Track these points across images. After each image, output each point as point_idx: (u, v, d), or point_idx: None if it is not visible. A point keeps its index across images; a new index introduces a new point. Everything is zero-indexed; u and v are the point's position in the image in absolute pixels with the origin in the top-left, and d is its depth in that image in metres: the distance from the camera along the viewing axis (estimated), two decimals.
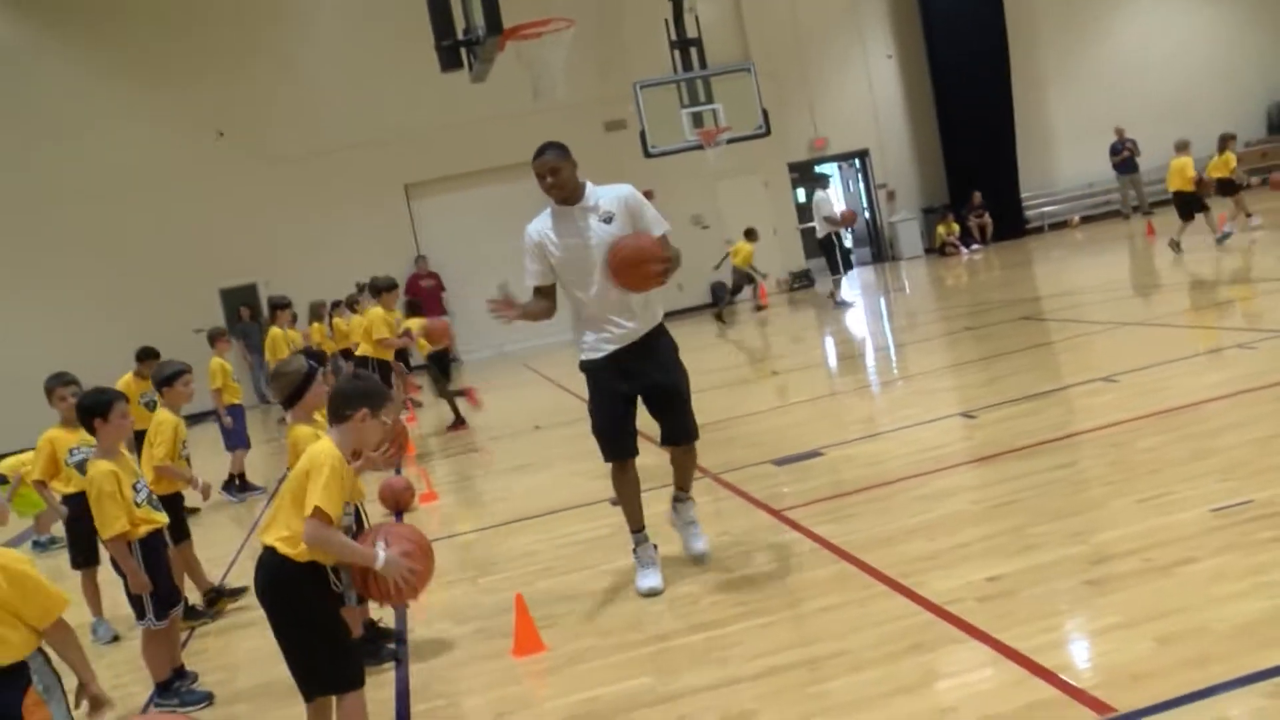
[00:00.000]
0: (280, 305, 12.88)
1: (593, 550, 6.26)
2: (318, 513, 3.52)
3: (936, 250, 23.71)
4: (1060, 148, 24.59)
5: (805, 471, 7.09)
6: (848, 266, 17.82)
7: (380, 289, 11.27)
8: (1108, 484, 5.56)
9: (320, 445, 3.67)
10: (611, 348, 5.25)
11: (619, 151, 20.78)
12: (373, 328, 11.12)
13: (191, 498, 7.40)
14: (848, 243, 18.83)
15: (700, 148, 18.06)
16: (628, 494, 5.48)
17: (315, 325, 15.97)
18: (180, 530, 6.27)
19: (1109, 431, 6.52)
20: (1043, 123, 24.41)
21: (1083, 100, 24.35)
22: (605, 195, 5.21)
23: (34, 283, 19.94)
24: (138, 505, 4.74)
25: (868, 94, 24.12)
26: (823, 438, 7.93)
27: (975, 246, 23.20)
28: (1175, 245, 15.24)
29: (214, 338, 11.15)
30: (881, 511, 5.86)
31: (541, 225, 5.28)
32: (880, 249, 25.11)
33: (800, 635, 4.47)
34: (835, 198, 18.63)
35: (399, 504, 8.27)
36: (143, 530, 4.76)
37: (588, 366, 5.36)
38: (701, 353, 15.58)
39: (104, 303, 19.65)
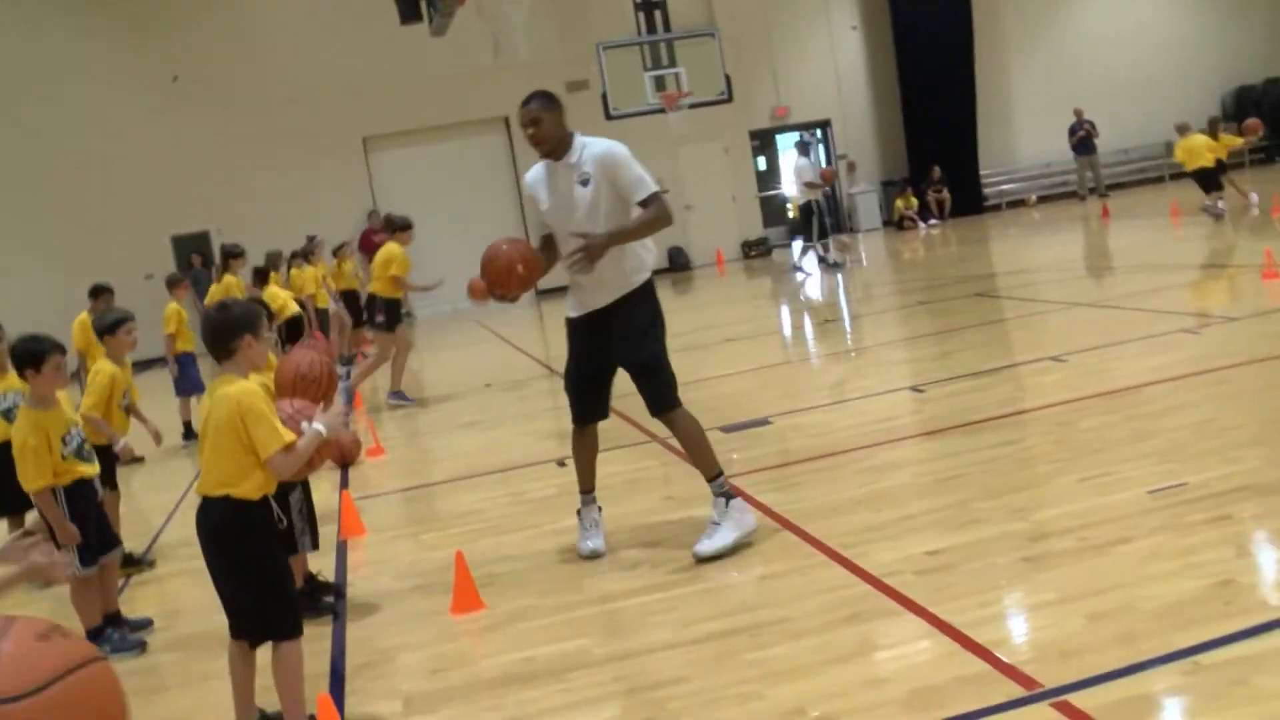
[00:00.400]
0: (234, 254, 12.62)
1: (539, 510, 6.25)
2: (284, 451, 3.56)
3: (894, 224, 23.80)
4: (1020, 126, 24.72)
5: (753, 439, 7.11)
6: (824, 234, 17.61)
7: (397, 226, 10.68)
8: (1051, 462, 5.62)
9: (234, 388, 3.59)
10: (582, 311, 5.12)
11: (581, 112, 20.45)
12: (392, 263, 10.37)
13: (144, 446, 7.28)
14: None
15: (662, 111, 17.98)
16: (581, 456, 5.40)
17: (272, 275, 15.70)
18: (109, 481, 6.13)
19: (1055, 410, 6.59)
20: (1004, 101, 24.52)
21: (1044, 79, 24.48)
22: (588, 153, 4.91)
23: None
24: (64, 457, 4.65)
25: (831, 64, 24.08)
26: (772, 406, 7.95)
27: (933, 221, 23.31)
28: (1215, 211, 15.17)
29: (172, 283, 10.97)
30: (826, 482, 5.90)
31: (534, 175, 5.11)
32: (839, 220, 25.12)
33: (740, 602, 4.49)
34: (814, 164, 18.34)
35: (345, 457, 8.20)
36: (67, 479, 4.68)
37: (567, 323, 5.26)
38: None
39: (54, 248, 19.29)
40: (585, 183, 4.90)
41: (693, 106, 18.04)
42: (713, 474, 5.12)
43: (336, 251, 15.25)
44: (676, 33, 18.57)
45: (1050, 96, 24.08)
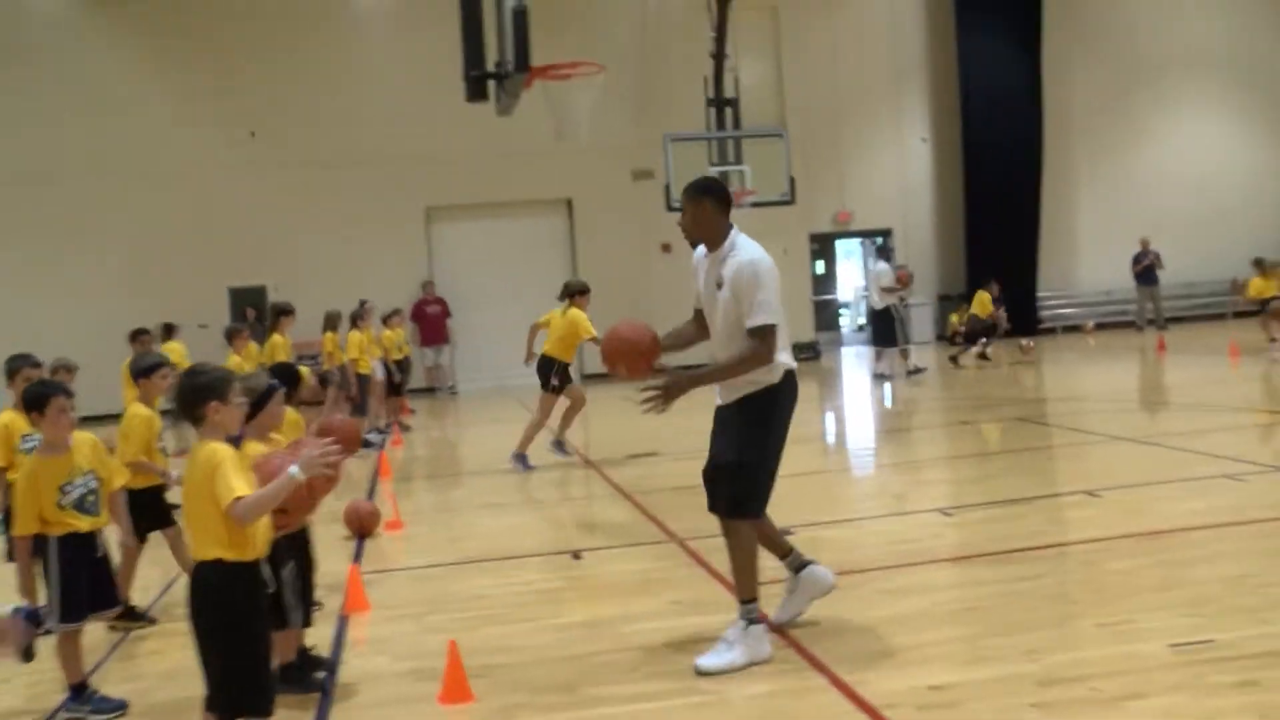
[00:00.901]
0: (284, 311, 12.77)
1: (544, 602, 6.13)
2: (239, 500, 3.56)
3: (947, 338, 23.59)
4: (1083, 251, 24.57)
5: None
6: (906, 339, 17.64)
7: (576, 291, 11.12)
8: (1072, 603, 5.43)
9: (203, 450, 3.67)
10: (720, 401, 5.11)
11: (643, 201, 20.86)
12: (579, 326, 10.78)
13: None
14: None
15: None
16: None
17: (328, 335, 15.83)
18: (165, 519, 6.30)
19: (1084, 548, 6.40)
20: (1068, 223, 24.42)
21: (1111, 206, 24.39)
22: (733, 258, 4.88)
23: (47, 257, 20.01)
24: (61, 507, 4.64)
25: (897, 173, 24.17)
26: (797, 516, 7.77)
27: (984, 340, 23.04)
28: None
29: (231, 335, 11.09)
30: (840, 601, 5.72)
31: (698, 255, 5.13)
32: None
33: (738, 715, 4.33)
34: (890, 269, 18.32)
35: (363, 528, 8.16)
36: (58, 530, 4.66)
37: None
38: (702, 412, 15.46)
39: (112, 286, 19.68)
40: (721, 286, 4.89)
41: (755, 205, 18.08)
42: (748, 597, 4.99)
43: (387, 319, 15.36)
44: (746, 130, 18.72)
45: (1116, 223, 23.98)
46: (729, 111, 18.52)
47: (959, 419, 12.50)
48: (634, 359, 5.01)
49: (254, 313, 20.37)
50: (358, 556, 7.58)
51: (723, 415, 5.06)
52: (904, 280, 17.32)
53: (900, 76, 24.03)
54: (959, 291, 24.02)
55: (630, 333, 5.09)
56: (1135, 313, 23.54)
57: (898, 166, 24.19)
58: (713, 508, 5.11)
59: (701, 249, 5.09)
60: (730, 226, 5.00)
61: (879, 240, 24.90)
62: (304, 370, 5.73)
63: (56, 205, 20.03)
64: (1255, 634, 4.73)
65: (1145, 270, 22.74)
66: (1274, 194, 25.20)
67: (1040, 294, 24.22)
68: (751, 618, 4.92)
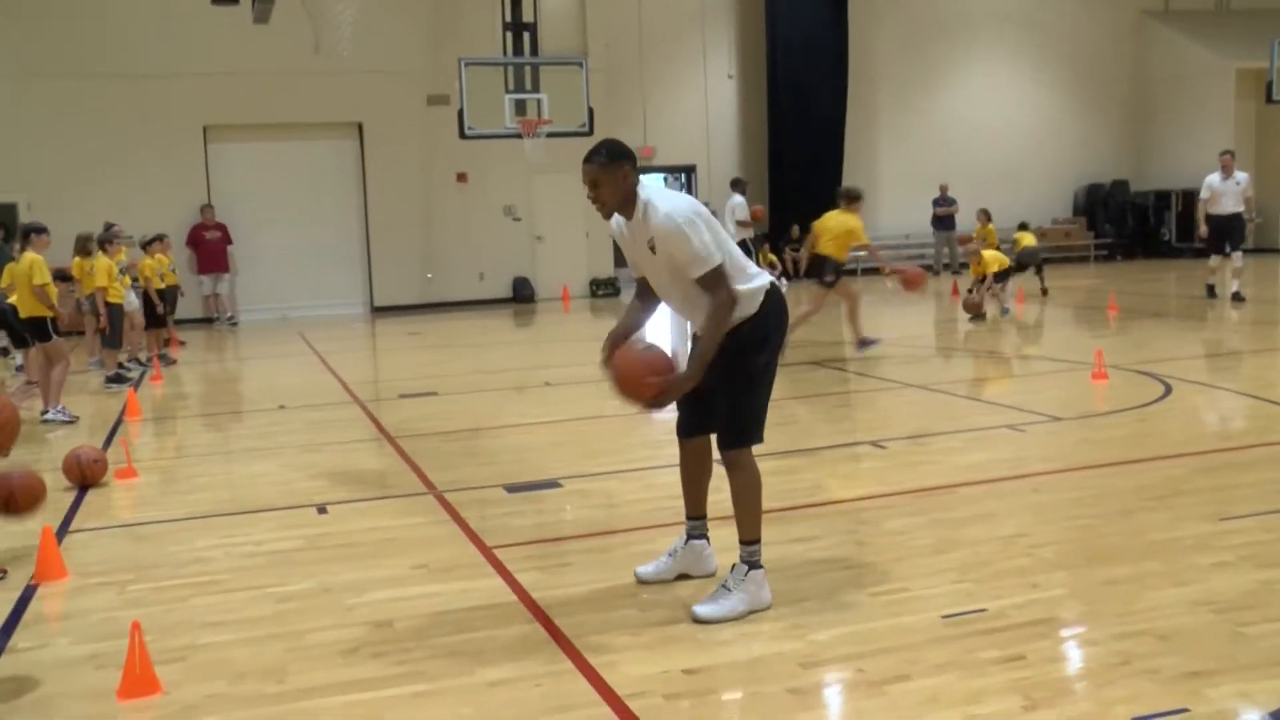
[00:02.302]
0: (36, 230, 11.23)
1: (274, 566, 5.43)
2: None
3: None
4: (883, 195, 24.82)
5: (533, 503, 6.43)
6: None
7: (853, 197, 12.09)
8: (846, 568, 5.06)
9: None
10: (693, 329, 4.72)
11: (438, 127, 19.89)
12: (853, 232, 11.70)
13: None
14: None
15: (519, 136, 17.30)
16: (682, 474, 4.94)
17: (76, 260, 14.33)
18: None
19: (862, 505, 6.09)
20: (870, 167, 24.61)
21: (910, 151, 24.77)
22: (651, 219, 4.41)
23: None
24: None
25: (702, 110, 23.82)
26: (567, 466, 7.29)
27: (783, 282, 23.08)
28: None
29: None
30: (600, 565, 5.24)
31: (616, 223, 4.62)
32: None
33: (456, 713, 3.77)
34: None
35: (84, 477, 7.25)
36: None
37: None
38: (491, 350, 14.85)
39: None
40: (653, 249, 4.45)
41: (550, 135, 17.39)
42: (751, 537, 4.61)
43: (149, 245, 14.04)
44: (543, 57, 17.94)
45: (914, 169, 24.37)
46: (526, 36, 17.68)
47: None
48: (634, 386, 4.48)
49: (2, 231, 18.53)
50: (73, 511, 6.69)
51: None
52: (757, 216, 17.12)
53: (707, 11, 23.60)
54: (761, 232, 23.94)
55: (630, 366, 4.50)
56: (933, 257, 23.96)
57: (702, 103, 23.84)
58: (689, 432, 4.83)
59: (616, 218, 4.56)
60: (635, 185, 4.49)
61: (682, 177, 24.58)
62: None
63: None
64: (1024, 600, 4.47)
65: (944, 215, 23.14)
66: (1061, 146, 26.12)
67: None
68: (753, 561, 4.56)
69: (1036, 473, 6.56)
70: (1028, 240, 18.47)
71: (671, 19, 23.17)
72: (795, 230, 23.50)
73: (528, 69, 17.59)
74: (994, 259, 15.51)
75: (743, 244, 16.75)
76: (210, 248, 19.35)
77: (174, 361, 13.92)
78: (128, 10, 18.90)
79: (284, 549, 5.75)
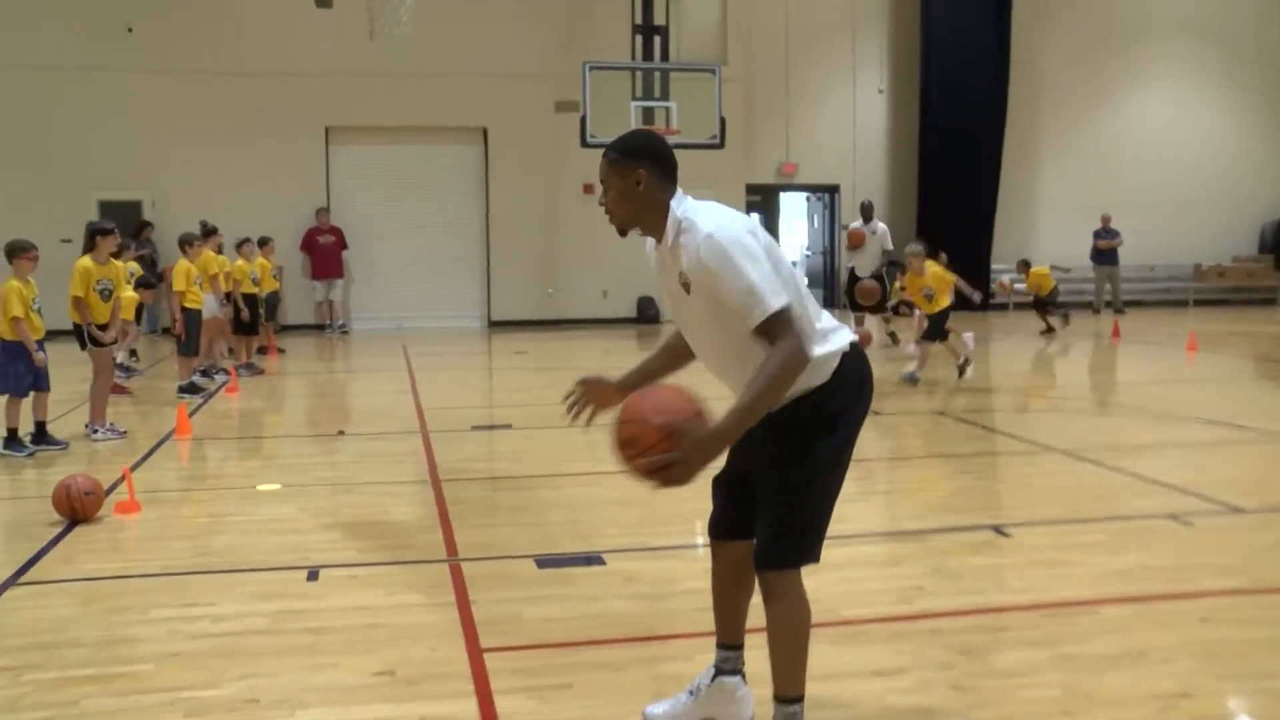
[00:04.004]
0: (100, 231, 10.64)
1: (213, 658, 4.37)
2: None
3: (892, 307, 21.92)
4: (1042, 223, 22.97)
5: (565, 584, 5.25)
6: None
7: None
8: None
9: None
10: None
11: (566, 134, 18.90)
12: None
13: None
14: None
15: None
16: (713, 587, 3.68)
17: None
18: None
19: (969, 621, 4.71)
20: (1028, 193, 22.79)
21: (1075, 177, 22.82)
22: (688, 239, 3.18)
23: None
24: None
25: (849, 126, 22.36)
26: (621, 535, 6.10)
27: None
28: None
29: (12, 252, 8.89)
30: (608, 690, 4.03)
31: (649, 246, 3.43)
32: (833, 294, 23.27)
33: None
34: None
35: (75, 511, 6.39)
36: None
37: None
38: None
39: None
40: (687, 287, 3.23)
41: (678, 147, 16.20)
42: (790, 693, 3.38)
43: (241, 246, 13.39)
44: (674, 63, 16.82)
45: (1078, 196, 22.43)
46: (657, 41, 16.58)
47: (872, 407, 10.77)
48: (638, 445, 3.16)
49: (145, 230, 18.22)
50: (39, 556, 5.80)
51: (753, 436, 3.23)
52: (856, 242, 15.56)
53: (858, 20, 22.17)
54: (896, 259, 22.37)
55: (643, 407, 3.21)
56: (1093, 294, 21.97)
57: (849, 118, 22.38)
58: (724, 532, 3.58)
59: (649, 239, 3.37)
60: (672, 196, 3.29)
61: (825, 198, 23.16)
62: None
63: None
64: None
65: (1107, 250, 21.19)
66: (1248, 174, 23.71)
67: (994, 266, 22.58)
68: None
69: (1207, 592, 5.06)
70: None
71: (819, 29, 21.81)
72: (944, 257, 21.79)
73: (657, 75, 16.49)
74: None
75: (878, 276, 15.13)
76: (324, 252, 18.81)
77: (261, 372, 13.20)
78: (253, 8, 18.52)
79: (241, 630, 4.70)
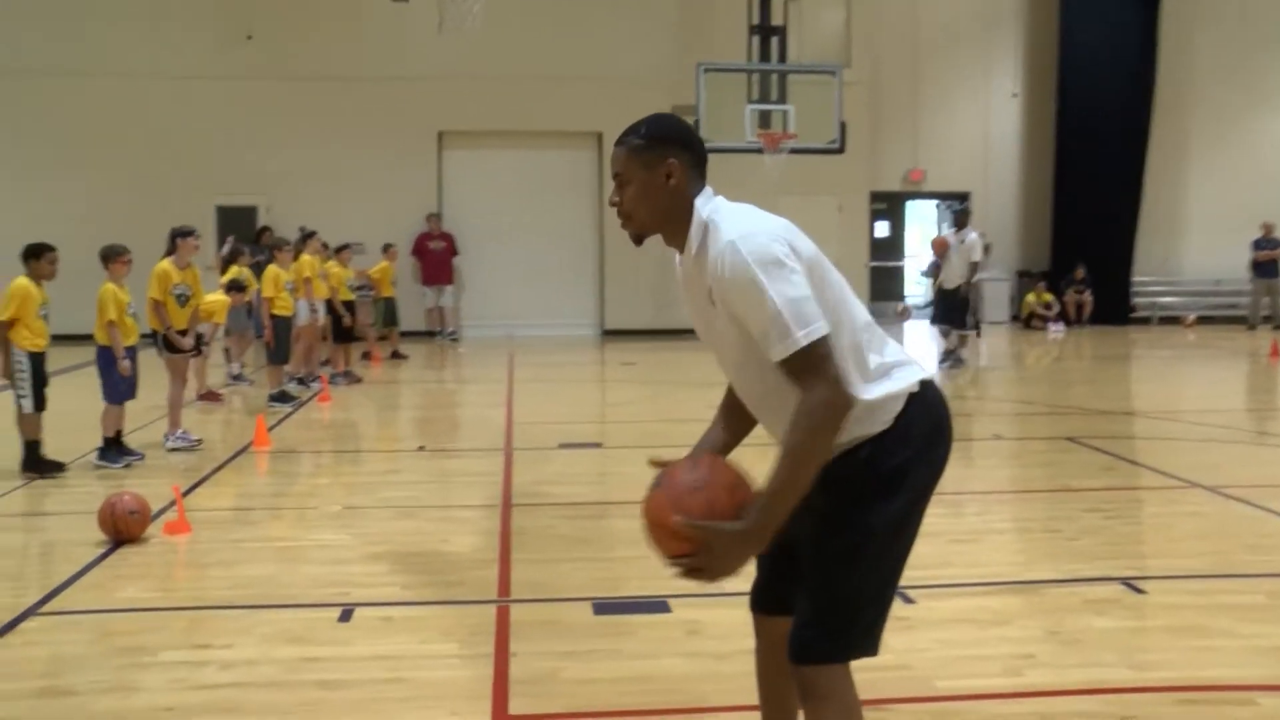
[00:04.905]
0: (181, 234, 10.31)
1: (221, 712, 3.90)
2: None
3: (1023, 320, 20.79)
4: (1191, 232, 21.48)
5: (619, 636, 4.61)
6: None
7: None
8: None
9: None
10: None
11: None
12: None
13: None
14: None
15: (759, 151, 15.54)
16: (758, 670, 3.02)
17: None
18: None
19: (1089, 709, 3.94)
20: (1176, 200, 21.34)
21: (1228, 183, 21.23)
22: (711, 246, 2.58)
23: (15, 164, 18.13)
24: None
25: (981, 131, 21.27)
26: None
27: (1058, 327, 20.11)
28: None
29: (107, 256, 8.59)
30: None
31: (678, 260, 2.82)
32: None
33: None
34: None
35: (119, 531, 6.03)
36: None
37: None
38: (701, 392, 13.09)
39: (88, 198, 17.68)
40: (714, 304, 2.63)
41: (795, 152, 15.54)
42: None
43: (340, 252, 13.14)
44: (791, 64, 16.10)
45: (1233, 203, 20.85)
46: (775, 42, 15.89)
47: (993, 430, 9.90)
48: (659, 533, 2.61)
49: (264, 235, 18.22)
50: (70, 581, 5.44)
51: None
52: (940, 249, 14.13)
53: (991, 20, 21.09)
54: (1041, 269, 21.19)
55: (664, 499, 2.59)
56: (1249, 308, 20.42)
57: (981, 123, 21.29)
58: (768, 604, 2.94)
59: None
60: (697, 194, 2.66)
61: (965, 205, 22.05)
62: None
63: (25, 108, 18.14)
64: None
65: (1268, 261, 19.67)
66: None
67: (1136, 278, 21.22)
68: None
69: None
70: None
71: (950, 29, 20.80)
72: (1080, 271, 20.58)
73: (774, 77, 15.80)
74: None
75: (960, 295, 13.80)
76: (434, 258, 18.60)
77: (359, 380, 12.90)
78: (369, 14, 18.40)
79: (246, 680, 4.21)
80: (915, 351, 14.19)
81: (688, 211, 2.64)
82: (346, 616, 4.90)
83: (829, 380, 2.43)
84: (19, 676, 4.30)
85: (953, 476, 7.92)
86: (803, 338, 2.42)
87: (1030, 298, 20.63)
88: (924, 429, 2.64)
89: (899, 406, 2.61)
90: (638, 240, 2.77)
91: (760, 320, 2.47)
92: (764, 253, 2.47)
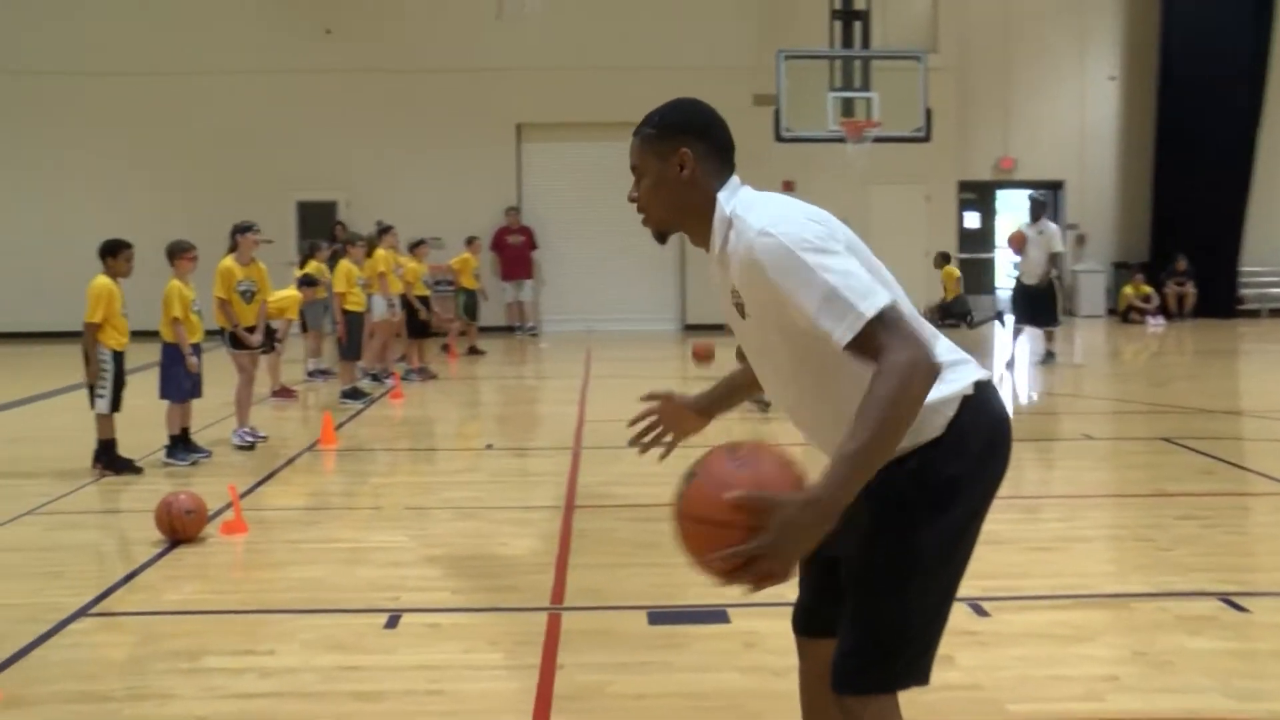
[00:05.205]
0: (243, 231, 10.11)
1: None
2: None
3: (1120, 314, 20.04)
4: None
5: (673, 649, 4.38)
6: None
7: None
8: None
9: None
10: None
11: (764, 129, 17.97)
12: None
13: None
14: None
15: (841, 140, 15.15)
16: (801, 699, 2.77)
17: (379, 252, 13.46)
18: None
19: None
20: None
21: None
22: (736, 241, 2.34)
23: (97, 158, 18.44)
24: None
25: (1076, 117, 20.52)
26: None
27: (1157, 321, 19.32)
28: None
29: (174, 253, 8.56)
30: None
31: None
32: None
33: None
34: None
35: (175, 530, 5.96)
36: None
37: None
38: None
39: (168, 193, 17.93)
40: (741, 309, 2.44)
41: (879, 140, 15.11)
42: None
43: (415, 248, 13.07)
44: (875, 50, 15.66)
45: None
46: (858, 27, 15.48)
47: (1083, 429, 9.44)
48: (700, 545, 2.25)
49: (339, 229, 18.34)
50: (125, 580, 5.39)
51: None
52: (1016, 244, 13.31)
53: (1088, 0, 20.33)
54: (1139, 260, 20.39)
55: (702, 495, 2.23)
56: None
57: (1077, 108, 20.53)
58: (811, 627, 2.67)
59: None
60: (719, 187, 2.43)
61: (1040, 194, 21.32)
62: None
63: (107, 104, 18.43)
64: None
65: None
66: None
67: (1244, 268, 20.30)
68: None
69: None
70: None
71: (1043, 10, 20.10)
72: (1181, 263, 19.75)
73: (857, 64, 15.39)
74: None
75: (1042, 290, 13.26)
76: (513, 252, 18.51)
77: (434, 376, 12.83)
78: (444, 5, 18.36)
79: (282, 690, 4.06)
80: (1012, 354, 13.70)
81: (708, 206, 2.41)
82: (393, 623, 4.75)
83: (911, 342, 2.14)
84: (59, 679, 4.22)
85: (1034, 478, 7.61)
86: (868, 308, 2.14)
87: (1128, 290, 19.86)
88: (980, 437, 2.37)
89: (951, 412, 2.34)
90: (659, 238, 2.56)
91: (811, 305, 2.19)
92: (801, 235, 2.23)
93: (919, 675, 2.39)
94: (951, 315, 16.09)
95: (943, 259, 16.51)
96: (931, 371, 2.14)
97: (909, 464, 2.31)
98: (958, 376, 2.37)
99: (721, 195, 2.42)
